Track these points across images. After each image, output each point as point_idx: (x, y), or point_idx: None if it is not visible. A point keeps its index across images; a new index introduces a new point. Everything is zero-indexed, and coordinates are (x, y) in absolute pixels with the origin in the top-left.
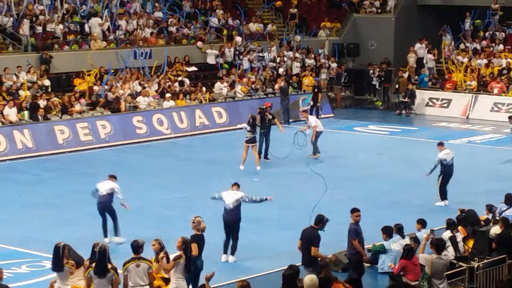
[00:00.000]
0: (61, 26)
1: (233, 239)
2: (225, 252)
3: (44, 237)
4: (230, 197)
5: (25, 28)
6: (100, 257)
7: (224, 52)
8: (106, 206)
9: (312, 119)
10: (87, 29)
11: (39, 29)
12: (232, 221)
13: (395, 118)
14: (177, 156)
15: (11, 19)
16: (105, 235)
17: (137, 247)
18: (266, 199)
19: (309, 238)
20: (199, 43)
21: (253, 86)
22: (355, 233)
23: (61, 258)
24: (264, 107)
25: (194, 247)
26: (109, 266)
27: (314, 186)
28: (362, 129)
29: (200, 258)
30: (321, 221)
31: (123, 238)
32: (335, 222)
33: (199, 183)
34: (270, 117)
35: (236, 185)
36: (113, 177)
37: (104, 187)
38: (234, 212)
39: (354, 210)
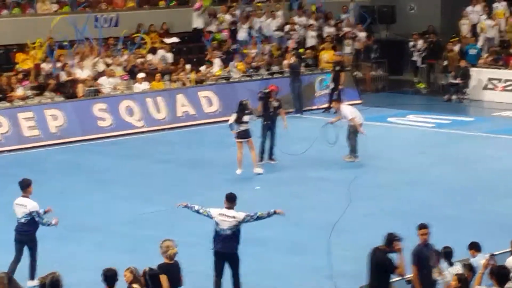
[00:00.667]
0: None
1: (234, 277)
2: None
3: None
4: (226, 220)
5: None
6: None
7: (215, 19)
8: (26, 237)
9: (348, 109)
10: None
11: None
12: (229, 254)
13: (443, 106)
14: (153, 156)
15: None
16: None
17: (113, 277)
18: (275, 213)
19: (379, 263)
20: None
21: (253, 64)
22: (415, 257)
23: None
24: (268, 90)
25: (164, 279)
26: None
27: (334, 197)
28: (399, 120)
29: None
30: (391, 241)
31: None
32: (359, 246)
33: (182, 193)
34: (276, 104)
35: (231, 200)
36: (27, 188)
37: (20, 210)
38: (232, 241)
39: (421, 227)
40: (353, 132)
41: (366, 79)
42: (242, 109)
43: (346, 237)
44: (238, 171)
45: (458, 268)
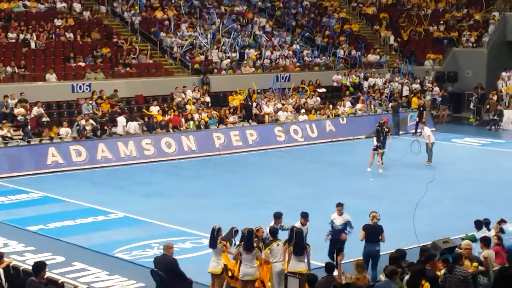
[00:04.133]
0: (220, 54)
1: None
2: None
3: (202, 220)
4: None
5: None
6: (248, 238)
7: (348, 77)
8: None
9: (427, 130)
10: (245, 56)
11: (202, 57)
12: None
13: (486, 133)
14: (307, 159)
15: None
16: None
17: (276, 232)
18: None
19: None
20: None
21: (370, 106)
22: None
23: (216, 237)
24: (383, 121)
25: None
26: (254, 245)
27: (417, 185)
28: (459, 140)
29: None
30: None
31: None
32: (432, 215)
33: (325, 182)
34: (387, 129)
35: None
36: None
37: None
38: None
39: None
40: (430, 146)
41: (439, 115)
42: (377, 132)
43: (425, 210)
44: (369, 169)
45: (492, 232)
